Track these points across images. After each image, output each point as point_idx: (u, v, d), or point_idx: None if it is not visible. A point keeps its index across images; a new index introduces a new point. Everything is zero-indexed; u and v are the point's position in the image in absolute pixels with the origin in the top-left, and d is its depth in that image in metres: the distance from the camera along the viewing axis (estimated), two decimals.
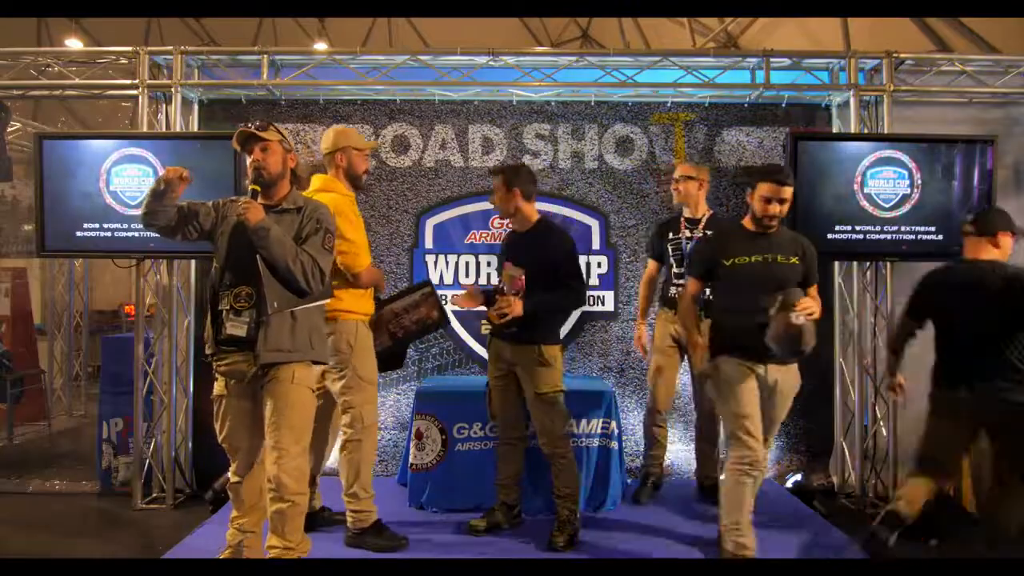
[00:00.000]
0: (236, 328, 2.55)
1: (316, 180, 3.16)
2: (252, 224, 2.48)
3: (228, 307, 2.57)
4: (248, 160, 2.64)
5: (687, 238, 3.74)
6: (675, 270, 3.76)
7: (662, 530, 3.43)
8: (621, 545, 3.23)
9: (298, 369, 2.60)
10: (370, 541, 3.14)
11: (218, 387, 2.67)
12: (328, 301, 2.92)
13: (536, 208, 3.30)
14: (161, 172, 2.56)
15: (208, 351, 2.64)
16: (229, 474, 2.75)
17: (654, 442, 3.88)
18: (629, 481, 3.98)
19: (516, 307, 3.04)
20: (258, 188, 2.60)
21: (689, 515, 3.64)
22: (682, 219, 3.82)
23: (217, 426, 2.70)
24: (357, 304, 3.10)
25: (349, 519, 3.17)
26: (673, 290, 3.76)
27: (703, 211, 3.80)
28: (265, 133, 2.62)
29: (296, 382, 2.59)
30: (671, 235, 3.81)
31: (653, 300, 3.95)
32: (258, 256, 2.52)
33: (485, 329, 3.95)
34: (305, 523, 3.10)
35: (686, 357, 3.78)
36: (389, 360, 3.34)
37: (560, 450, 3.22)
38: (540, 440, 3.24)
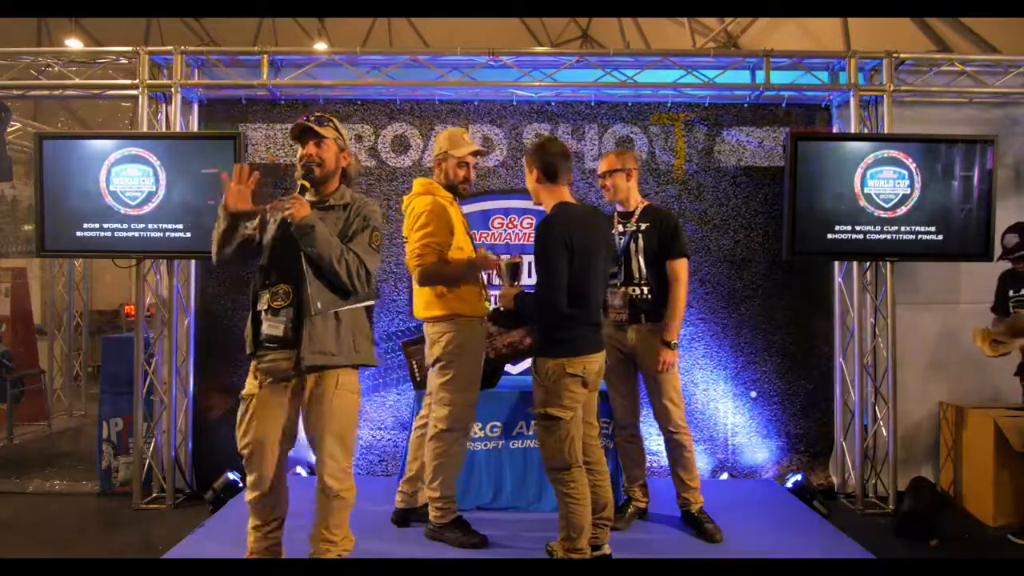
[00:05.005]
0: (273, 328, 2.47)
1: (417, 184, 3.26)
2: (297, 220, 2.42)
3: (266, 306, 2.49)
4: (300, 153, 2.59)
5: (619, 233, 3.40)
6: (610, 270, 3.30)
7: (661, 531, 3.44)
8: (619, 547, 3.22)
9: (342, 374, 2.53)
10: (450, 536, 3.20)
11: (250, 386, 2.57)
12: (443, 301, 3.06)
13: (565, 192, 2.86)
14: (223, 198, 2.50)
15: (248, 350, 2.56)
16: (250, 491, 2.56)
17: (629, 461, 3.53)
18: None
19: (504, 297, 2.88)
20: (307, 184, 2.53)
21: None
22: (615, 215, 3.47)
23: (240, 430, 2.55)
24: (469, 306, 3.13)
25: (432, 513, 3.23)
26: (607, 293, 3.31)
27: (636, 203, 3.43)
28: (322, 129, 2.56)
29: (340, 387, 2.52)
30: None
31: None
32: (302, 254, 2.46)
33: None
34: (401, 518, 3.38)
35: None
36: (481, 379, 3.28)
37: (556, 483, 2.79)
38: None
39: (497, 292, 3.21)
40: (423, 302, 3.19)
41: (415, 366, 3.65)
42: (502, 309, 2.94)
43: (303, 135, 2.57)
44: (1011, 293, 3.68)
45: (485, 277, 3.32)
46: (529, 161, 2.88)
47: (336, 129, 2.62)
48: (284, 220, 2.50)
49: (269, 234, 2.58)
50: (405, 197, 3.26)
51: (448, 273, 3.09)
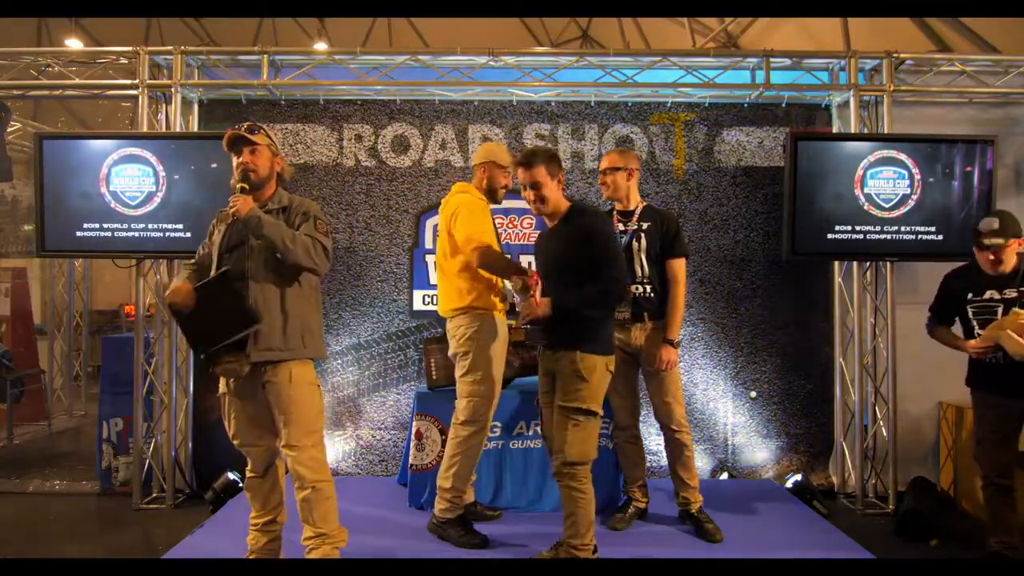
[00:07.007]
0: None
1: (455, 187, 3.33)
2: (243, 215, 2.52)
3: None
4: (235, 162, 2.66)
5: (620, 232, 3.40)
6: None
7: (661, 531, 3.43)
8: (618, 546, 3.23)
9: (294, 367, 2.64)
10: (452, 534, 3.22)
11: (221, 385, 2.72)
12: (461, 296, 3.11)
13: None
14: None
15: (202, 355, 2.67)
16: (247, 471, 2.78)
17: (628, 462, 3.54)
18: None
19: (541, 306, 2.72)
20: (247, 186, 2.63)
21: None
22: (614, 213, 3.49)
23: (225, 424, 2.74)
24: (482, 300, 3.19)
25: (439, 504, 3.26)
26: None
27: (635, 202, 3.46)
28: (255, 136, 2.65)
29: (295, 380, 2.64)
30: None
31: None
32: (244, 255, 2.57)
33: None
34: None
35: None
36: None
37: (568, 479, 2.76)
38: (552, 457, 2.87)
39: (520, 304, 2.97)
40: (443, 300, 3.31)
41: (432, 364, 3.72)
42: (529, 325, 2.83)
43: (236, 144, 2.65)
44: (970, 296, 3.15)
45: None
46: (549, 169, 2.83)
47: (267, 136, 2.72)
48: (226, 231, 2.64)
49: (216, 247, 2.66)
50: (443, 200, 3.32)
51: (498, 260, 3.08)
